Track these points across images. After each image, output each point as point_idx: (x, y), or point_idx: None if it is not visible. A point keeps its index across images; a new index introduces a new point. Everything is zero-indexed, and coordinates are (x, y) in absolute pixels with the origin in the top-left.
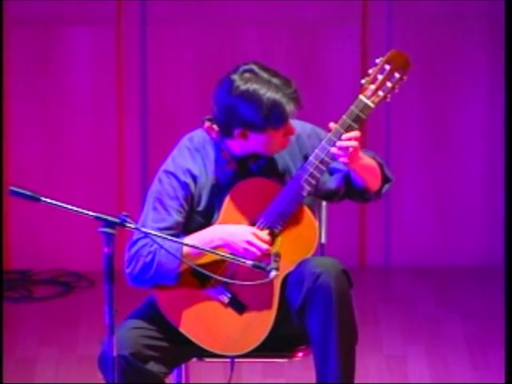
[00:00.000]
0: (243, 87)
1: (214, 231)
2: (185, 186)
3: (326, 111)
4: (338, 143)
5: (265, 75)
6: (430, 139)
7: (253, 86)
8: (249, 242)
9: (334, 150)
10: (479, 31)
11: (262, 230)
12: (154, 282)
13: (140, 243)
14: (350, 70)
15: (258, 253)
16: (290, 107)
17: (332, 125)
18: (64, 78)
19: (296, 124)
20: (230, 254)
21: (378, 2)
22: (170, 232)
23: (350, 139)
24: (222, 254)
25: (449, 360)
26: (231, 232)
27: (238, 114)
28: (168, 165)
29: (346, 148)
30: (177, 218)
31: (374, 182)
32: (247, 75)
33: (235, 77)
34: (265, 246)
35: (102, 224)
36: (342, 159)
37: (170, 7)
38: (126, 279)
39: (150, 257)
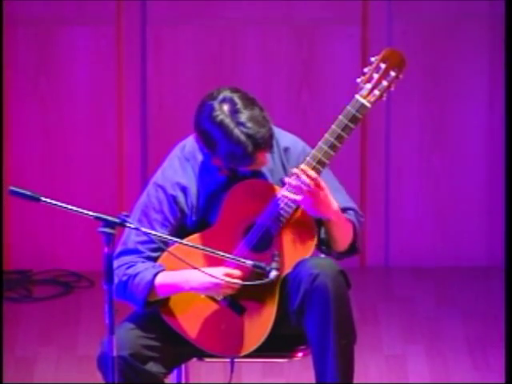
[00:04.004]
0: (220, 117)
1: (190, 272)
2: (172, 199)
3: (326, 111)
4: (294, 170)
5: (242, 111)
6: (430, 139)
7: (226, 122)
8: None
9: (291, 181)
10: (479, 31)
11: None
12: (127, 301)
13: (121, 260)
14: (350, 70)
15: (230, 292)
16: (253, 154)
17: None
18: (64, 78)
19: (288, 138)
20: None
21: (378, 2)
22: (152, 246)
23: (307, 175)
24: (222, 254)
25: (449, 360)
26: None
27: (214, 144)
28: (157, 177)
29: (299, 186)
30: (161, 231)
31: (342, 240)
32: (225, 107)
33: (215, 105)
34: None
35: (101, 224)
36: (294, 194)
37: (170, 7)
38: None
39: (124, 278)
